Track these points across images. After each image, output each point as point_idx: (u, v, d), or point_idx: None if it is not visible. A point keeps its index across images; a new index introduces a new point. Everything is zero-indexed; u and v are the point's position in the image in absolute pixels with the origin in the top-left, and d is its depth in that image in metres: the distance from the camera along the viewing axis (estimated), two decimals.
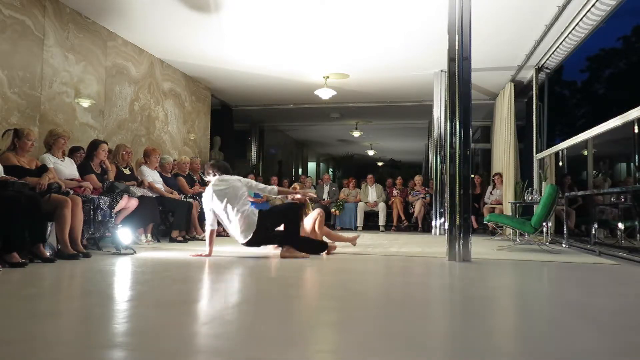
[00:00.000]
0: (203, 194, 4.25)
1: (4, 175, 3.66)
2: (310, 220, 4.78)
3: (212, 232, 4.12)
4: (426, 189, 9.37)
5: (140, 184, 5.53)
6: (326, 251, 4.33)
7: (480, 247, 5.34)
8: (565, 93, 21.77)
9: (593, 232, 5.60)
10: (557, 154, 7.21)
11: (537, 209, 5.49)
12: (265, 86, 8.96)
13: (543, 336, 1.72)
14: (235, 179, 4.20)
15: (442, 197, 7.72)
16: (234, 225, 4.06)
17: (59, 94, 5.38)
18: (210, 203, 4.10)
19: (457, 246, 4.02)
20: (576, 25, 5.51)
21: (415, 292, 2.79)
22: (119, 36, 6.39)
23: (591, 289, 2.97)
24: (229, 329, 1.80)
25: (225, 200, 4.05)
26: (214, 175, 4.21)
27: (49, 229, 3.86)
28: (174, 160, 6.94)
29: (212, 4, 5.48)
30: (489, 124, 9.84)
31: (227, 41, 6.64)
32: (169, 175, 6.37)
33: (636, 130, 7.51)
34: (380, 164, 19.74)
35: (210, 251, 4.09)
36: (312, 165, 18.61)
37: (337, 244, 4.87)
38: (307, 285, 2.86)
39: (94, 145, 4.99)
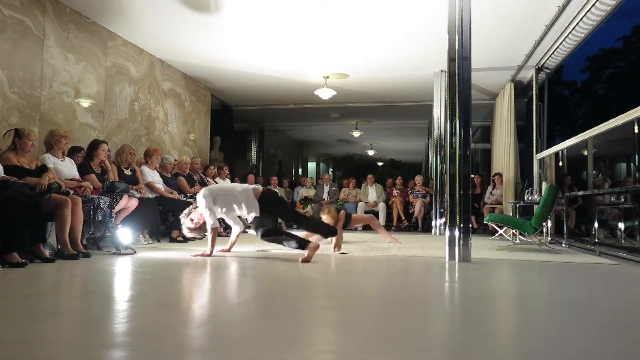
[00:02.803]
0: (199, 201, 4.09)
1: (4, 175, 3.67)
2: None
3: (214, 230, 4.07)
4: (426, 189, 9.37)
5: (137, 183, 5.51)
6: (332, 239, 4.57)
7: (480, 247, 5.34)
8: (565, 93, 21.78)
9: (593, 232, 5.60)
10: (557, 154, 7.21)
11: (537, 209, 5.49)
12: (265, 86, 8.96)
13: (543, 336, 1.72)
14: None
15: (442, 197, 7.72)
16: (245, 205, 4.07)
17: (59, 94, 5.38)
18: (212, 205, 4.03)
19: (457, 246, 4.02)
20: (576, 25, 5.51)
21: (415, 292, 2.79)
22: (119, 36, 6.39)
23: (591, 289, 2.97)
24: (228, 329, 1.80)
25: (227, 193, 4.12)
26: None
27: (49, 229, 3.86)
28: (175, 160, 6.95)
29: (212, 4, 5.48)
30: (489, 124, 9.84)
31: (227, 41, 6.64)
32: (169, 175, 6.37)
33: (636, 130, 7.51)
34: (380, 164, 19.74)
35: (212, 251, 4.08)
36: (312, 165, 18.60)
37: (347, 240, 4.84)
38: (307, 285, 2.86)
39: (94, 145, 4.99)
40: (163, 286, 2.74)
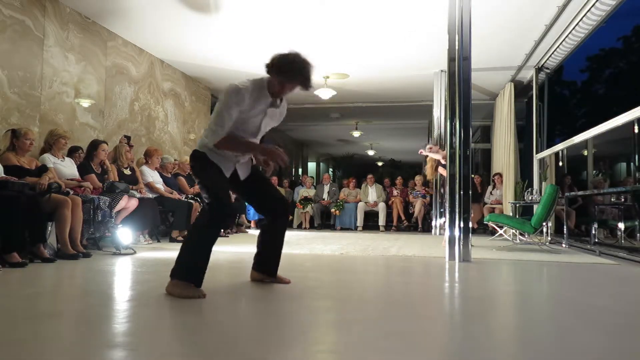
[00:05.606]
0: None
1: (4, 175, 3.67)
2: None
3: None
4: (426, 189, 9.37)
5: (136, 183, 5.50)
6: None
7: (480, 247, 5.34)
8: (565, 93, 21.78)
9: (593, 232, 5.60)
10: (557, 154, 7.21)
11: (537, 209, 5.49)
12: None
13: (543, 336, 1.72)
14: None
15: (442, 197, 7.72)
16: None
17: (59, 94, 5.38)
18: None
19: (457, 246, 4.03)
20: (576, 25, 5.51)
21: (416, 292, 2.79)
22: (119, 36, 6.39)
23: (591, 289, 2.97)
24: (229, 329, 1.80)
25: None
26: None
27: (49, 229, 3.86)
28: (175, 160, 6.95)
29: (211, 5, 5.48)
30: (489, 124, 9.84)
31: (227, 41, 6.64)
32: (169, 175, 6.37)
33: (636, 130, 7.51)
34: (380, 164, 19.74)
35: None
36: (312, 165, 18.60)
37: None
38: (307, 285, 2.86)
39: (94, 145, 4.99)
40: (163, 286, 2.74)
